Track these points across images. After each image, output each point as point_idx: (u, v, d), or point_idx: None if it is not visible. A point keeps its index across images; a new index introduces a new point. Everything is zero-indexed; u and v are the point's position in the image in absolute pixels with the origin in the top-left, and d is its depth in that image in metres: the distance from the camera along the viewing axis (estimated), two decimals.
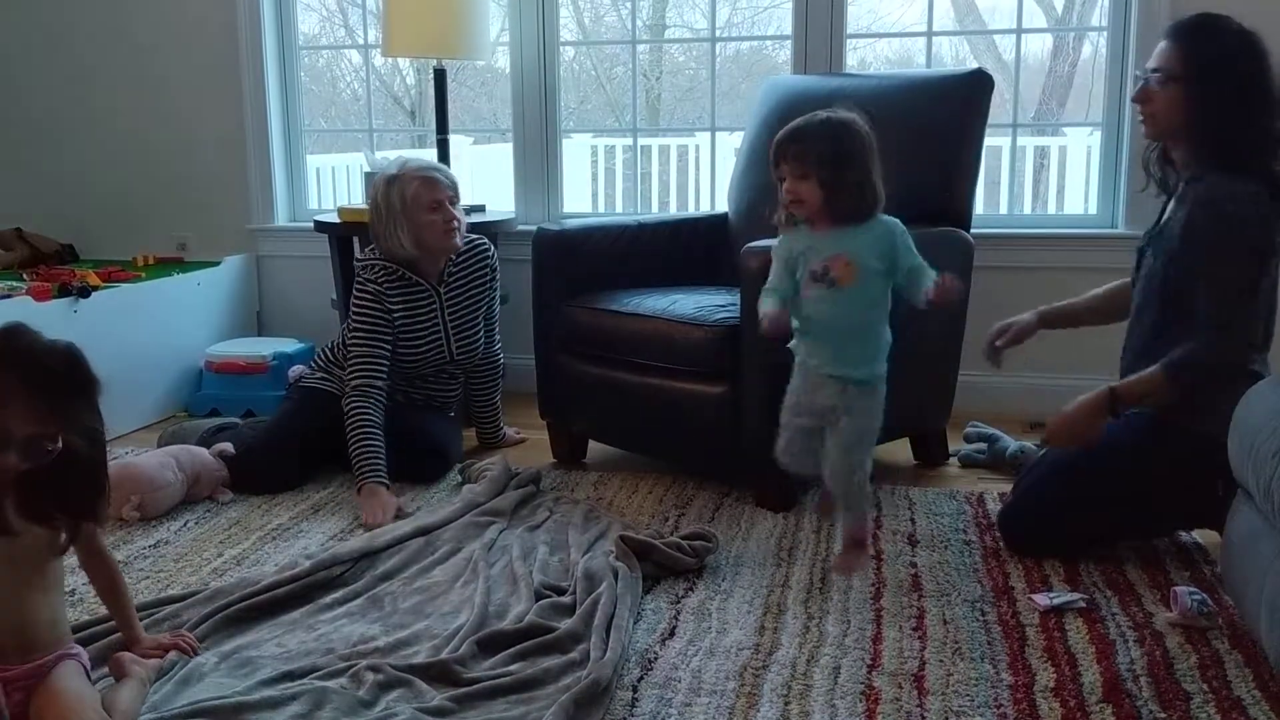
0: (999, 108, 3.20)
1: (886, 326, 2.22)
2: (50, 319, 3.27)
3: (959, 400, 3.15)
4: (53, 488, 1.62)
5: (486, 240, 3.24)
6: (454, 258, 3.11)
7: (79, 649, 1.79)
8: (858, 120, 2.15)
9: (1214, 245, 2.22)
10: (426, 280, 3.07)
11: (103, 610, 2.03)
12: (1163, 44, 2.33)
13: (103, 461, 1.69)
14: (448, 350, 3.12)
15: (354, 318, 3.02)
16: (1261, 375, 2.31)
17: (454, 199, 3.03)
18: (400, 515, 2.73)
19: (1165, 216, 2.40)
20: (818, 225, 2.17)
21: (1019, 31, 3.88)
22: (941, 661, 1.97)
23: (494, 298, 3.25)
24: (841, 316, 2.18)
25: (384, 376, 2.99)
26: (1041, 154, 5.89)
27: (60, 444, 1.60)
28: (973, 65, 3.21)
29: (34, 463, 1.58)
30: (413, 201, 2.95)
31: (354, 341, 2.99)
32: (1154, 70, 2.32)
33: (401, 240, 2.97)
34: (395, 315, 3.02)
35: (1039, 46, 4.23)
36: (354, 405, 2.92)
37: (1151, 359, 2.31)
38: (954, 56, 4.85)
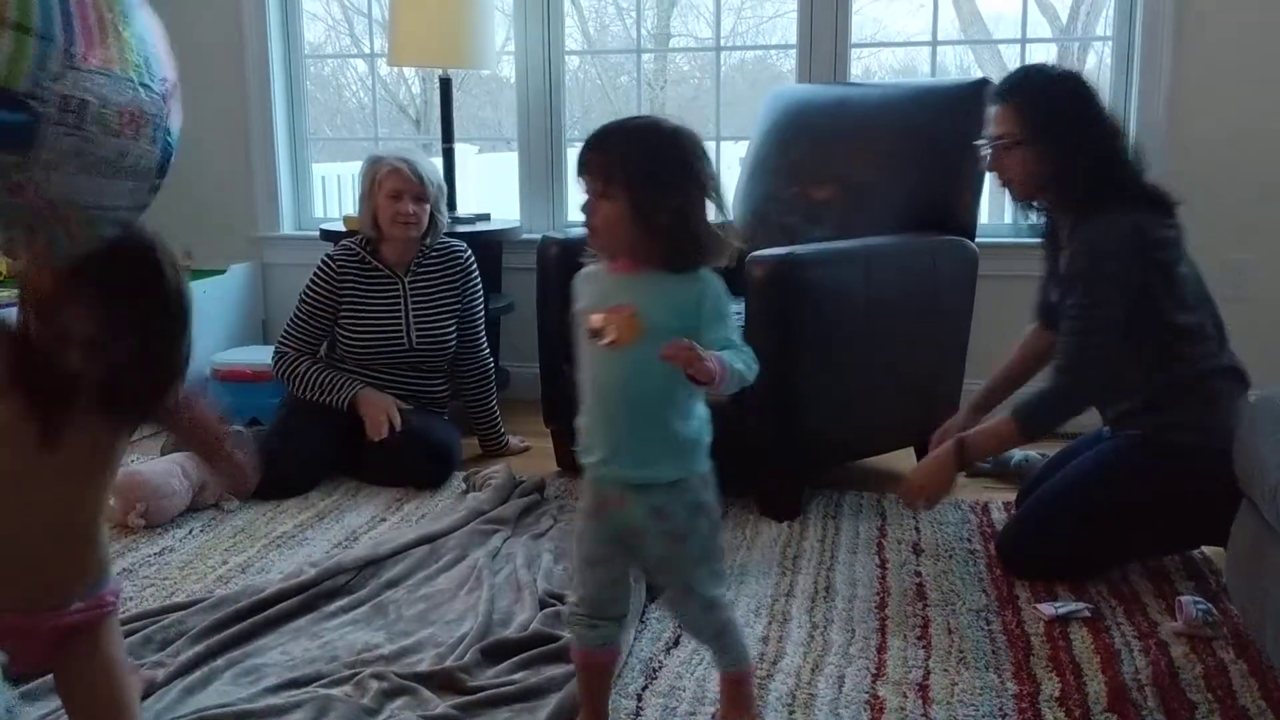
0: None
1: (698, 406, 1.66)
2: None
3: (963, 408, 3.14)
4: (126, 393, 1.47)
5: (465, 246, 3.34)
6: (425, 253, 3.23)
7: (116, 591, 1.61)
8: (693, 138, 1.63)
9: (1085, 286, 2.23)
10: (390, 267, 3.20)
11: None
12: (994, 109, 2.33)
13: (174, 367, 1.52)
14: (407, 338, 3.19)
15: (303, 291, 3.22)
16: (1237, 368, 2.31)
17: (420, 196, 3.15)
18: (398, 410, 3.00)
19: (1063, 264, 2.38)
20: (617, 265, 1.64)
21: (1024, 41, 3.88)
22: (946, 671, 1.97)
23: (472, 302, 3.30)
24: (622, 388, 1.62)
25: (307, 349, 3.19)
26: None
27: (126, 351, 1.44)
28: (977, 75, 3.21)
29: (97, 367, 1.43)
30: (378, 185, 3.15)
31: (294, 313, 3.22)
32: (996, 138, 2.32)
33: (365, 218, 3.19)
34: (343, 294, 3.18)
35: (1043, 56, 4.23)
36: (281, 367, 3.18)
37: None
38: (958, 66, 4.85)
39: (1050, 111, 2.26)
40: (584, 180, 1.62)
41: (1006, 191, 2.40)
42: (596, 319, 1.59)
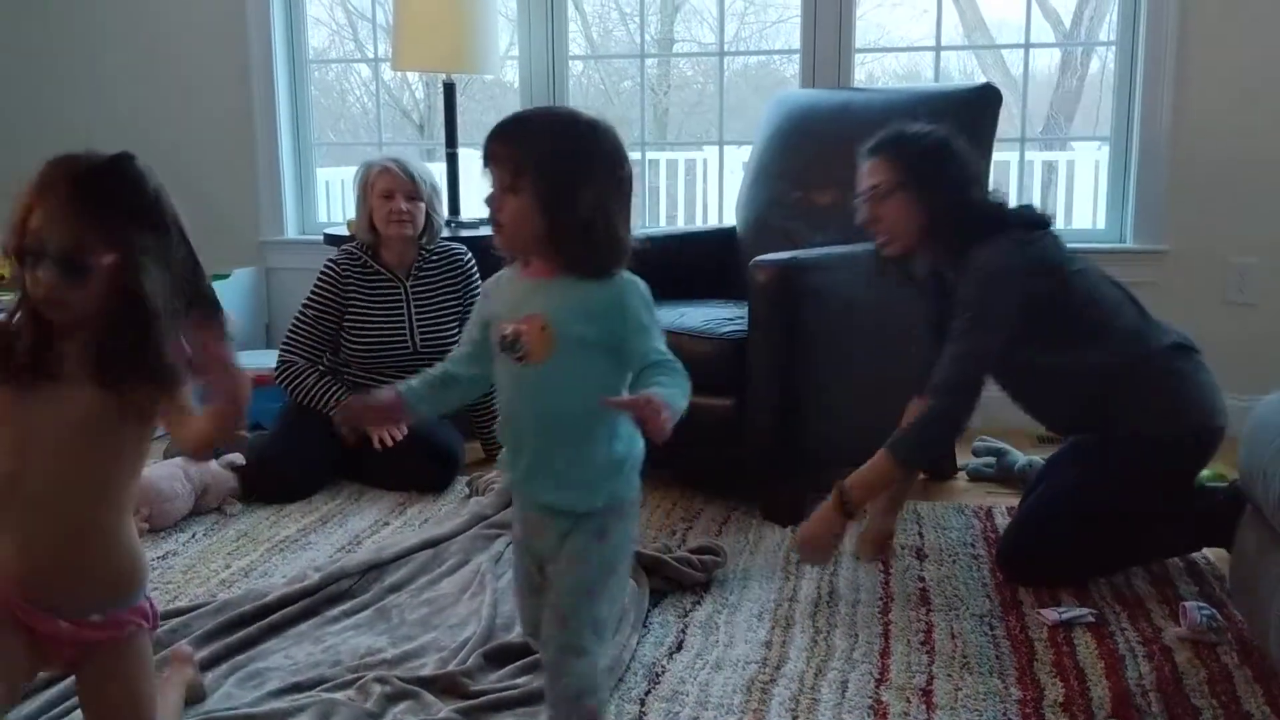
0: (1007, 122, 3.20)
1: (624, 426, 1.51)
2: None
3: None
4: (115, 338, 1.39)
5: (465, 249, 3.35)
6: (426, 255, 3.25)
7: (147, 611, 1.54)
8: (611, 132, 1.50)
9: (972, 309, 2.26)
10: (392, 271, 3.22)
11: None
12: (867, 164, 2.37)
13: (158, 308, 1.40)
14: (411, 342, 3.20)
15: (307, 296, 3.22)
16: (1178, 344, 2.36)
17: (412, 194, 3.17)
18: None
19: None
20: (529, 267, 1.53)
21: (1027, 46, 3.88)
22: (950, 676, 1.96)
23: (470, 302, 3.29)
24: (537, 407, 1.50)
25: (311, 355, 3.18)
26: (1049, 168, 5.89)
27: (106, 266, 1.37)
28: (981, 80, 3.21)
29: (74, 283, 1.36)
30: (370, 187, 3.18)
31: (297, 316, 3.22)
32: (871, 188, 2.36)
33: (361, 222, 3.21)
34: (349, 297, 3.18)
35: (1047, 61, 4.23)
36: (284, 377, 3.17)
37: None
38: (962, 71, 4.86)
39: (920, 158, 2.33)
40: (490, 172, 1.49)
41: (884, 246, 2.41)
42: (507, 329, 1.47)
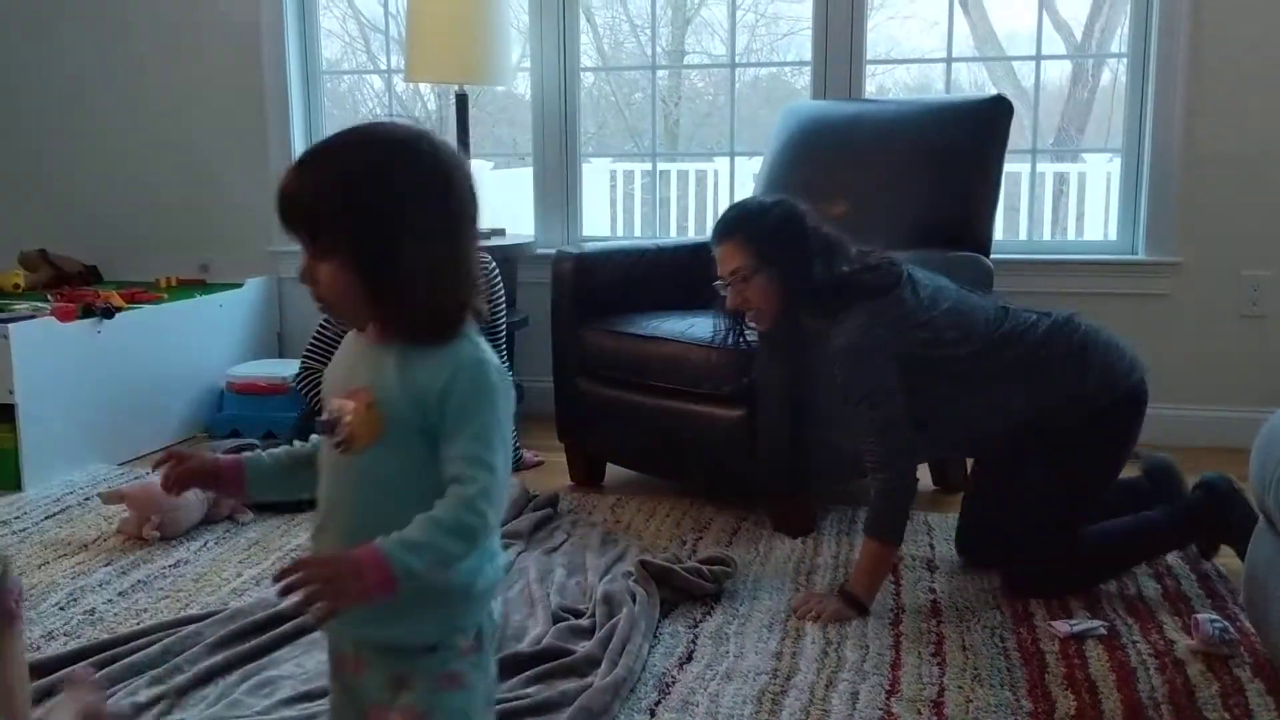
0: (1018, 134, 3.20)
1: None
2: (74, 339, 3.30)
3: None
4: None
5: (488, 258, 3.31)
6: None
7: (13, 592, 1.47)
8: (430, 153, 1.19)
9: (856, 389, 2.28)
10: None
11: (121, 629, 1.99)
12: (719, 249, 2.39)
13: None
14: None
15: None
16: (1052, 328, 2.37)
17: None
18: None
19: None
20: (369, 333, 1.22)
21: (1038, 58, 3.88)
22: (961, 688, 1.96)
23: (495, 315, 3.32)
24: (358, 508, 1.20)
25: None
26: (1061, 180, 5.89)
27: None
28: (992, 92, 3.21)
29: None
30: None
31: (320, 324, 3.28)
32: (731, 273, 2.37)
33: None
34: None
35: (1058, 73, 4.23)
36: (304, 383, 3.24)
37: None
38: (973, 83, 4.86)
39: (770, 235, 2.34)
40: (290, 234, 1.17)
41: (753, 325, 2.47)
42: (333, 405, 1.19)
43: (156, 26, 4.24)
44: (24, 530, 2.82)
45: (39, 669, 1.94)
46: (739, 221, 2.39)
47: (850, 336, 2.28)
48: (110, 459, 3.38)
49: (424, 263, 1.15)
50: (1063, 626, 2.18)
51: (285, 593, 1.07)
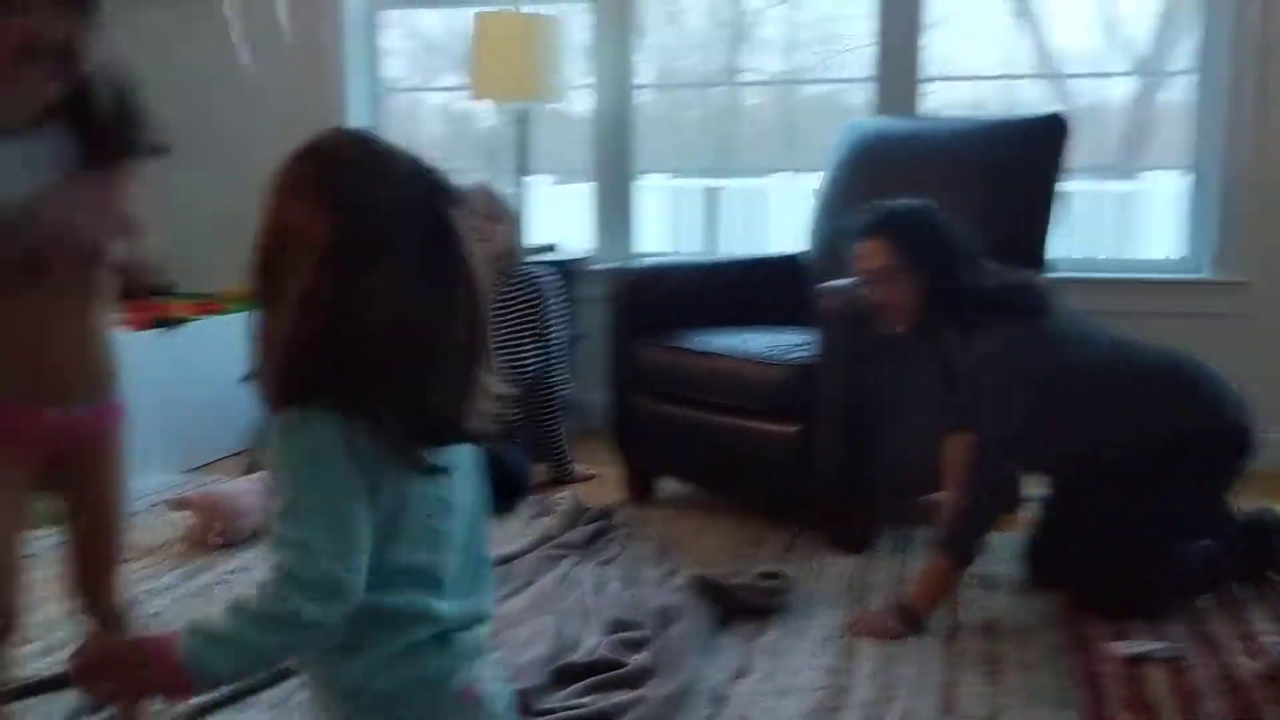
0: (1078, 151, 3.17)
1: (368, 639, 1.07)
2: (144, 350, 3.38)
3: None
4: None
5: (547, 273, 3.38)
6: (504, 280, 3.28)
7: (123, 406, 1.55)
8: (332, 157, 1.05)
9: (984, 407, 2.25)
10: None
11: None
12: (863, 246, 2.34)
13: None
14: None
15: None
16: (1155, 359, 2.35)
17: (490, 215, 3.22)
18: None
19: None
20: None
21: (1100, 75, 3.85)
22: (1018, 708, 1.94)
23: (551, 330, 3.33)
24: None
25: None
26: (1122, 198, 5.81)
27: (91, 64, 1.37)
28: (1050, 110, 3.19)
29: (71, 83, 1.37)
30: None
31: None
32: (874, 272, 2.33)
33: None
34: None
35: (1121, 90, 4.19)
36: None
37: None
38: (1031, 101, 4.82)
39: (919, 237, 2.31)
40: None
41: (887, 327, 2.39)
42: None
43: (223, 44, 4.34)
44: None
45: None
46: (888, 219, 2.34)
47: (998, 356, 2.24)
48: (176, 467, 3.45)
49: (310, 312, 1.01)
50: (1123, 648, 2.15)
51: (80, 687, 1.00)
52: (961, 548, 2.27)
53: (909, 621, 2.24)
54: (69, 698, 1.93)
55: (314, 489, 1.00)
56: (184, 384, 3.50)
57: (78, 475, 1.52)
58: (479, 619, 1.16)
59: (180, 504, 2.85)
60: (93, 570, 1.56)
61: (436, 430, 1.05)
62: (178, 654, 0.99)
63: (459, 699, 1.09)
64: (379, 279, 0.97)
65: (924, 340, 2.42)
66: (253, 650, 1.00)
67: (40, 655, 2.08)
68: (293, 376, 1.01)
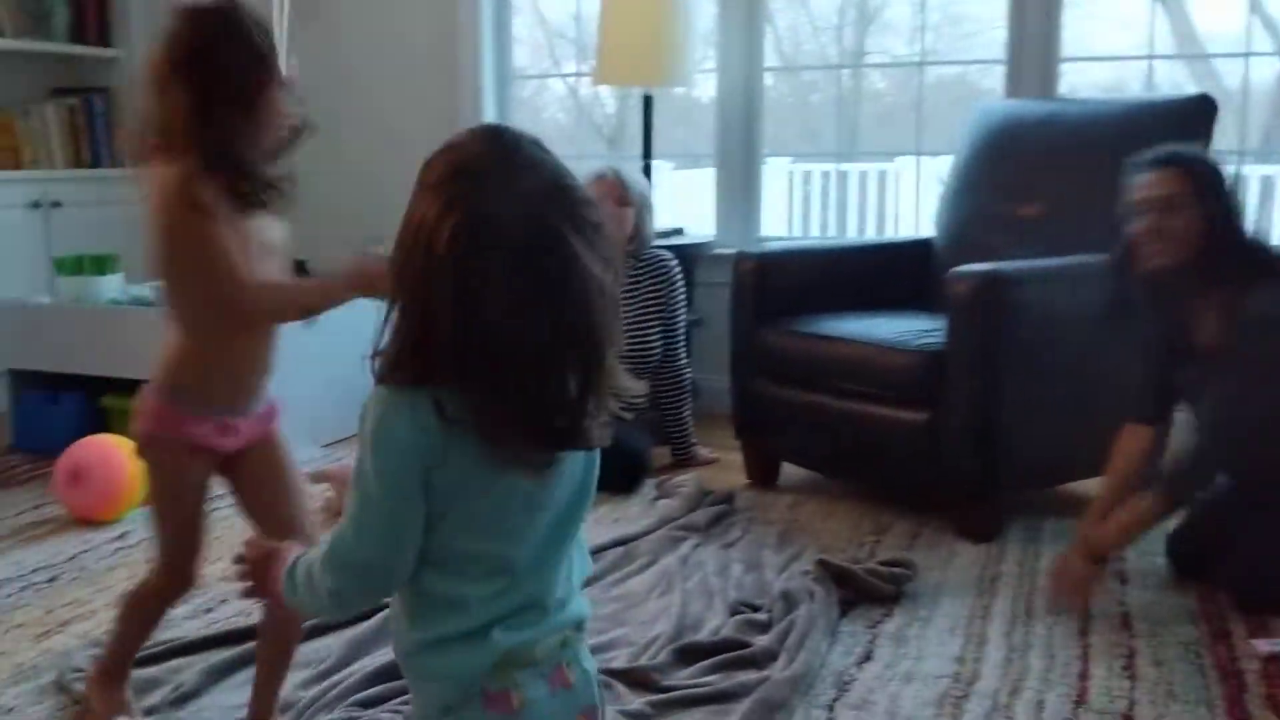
0: (1222, 135, 3.06)
1: (425, 605, 1.11)
2: (284, 331, 3.51)
3: None
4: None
5: (672, 256, 3.40)
6: (633, 263, 3.31)
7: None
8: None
9: (1259, 363, 2.18)
10: None
11: None
12: (1152, 174, 2.26)
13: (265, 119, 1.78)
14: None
15: None
16: None
17: (622, 200, 3.27)
18: None
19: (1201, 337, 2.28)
20: None
21: (1246, 55, 3.70)
22: (1153, 703, 1.90)
23: (676, 312, 3.36)
24: None
25: None
26: (1268, 183, 5.58)
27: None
28: (1192, 91, 3.08)
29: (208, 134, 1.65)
30: None
31: None
32: (1157, 200, 2.24)
33: None
34: None
35: (1268, 71, 4.01)
36: None
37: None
38: (1170, 83, 4.65)
39: (1210, 175, 2.27)
40: None
41: (1155, 261, 2.27)
42: None
43: (363, 35, 4.46)
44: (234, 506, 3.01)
45: (243, 635, 2.04)
46: (1179, 154, 2.32)
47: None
48: (315, 441, 3.58)
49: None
50: (1264, 645, 2.08)
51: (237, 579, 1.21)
52: (1180, 487, 2.26)
53: (1096, 560, 2.25)
54: (217, 657, 2.04)
55: (373, 471, 1.05)
56: (322, 362, 3.62)
57: (257, 462, 1.75)
58: (542, 619, 1.14)
59: (320, 477, 2.96)
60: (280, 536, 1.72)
61: (540, 437, 1.07)
62: (282, 576, 1.15)
63: (485, 702, 1.09)
64: (486, 289, 0.99)
65: (1175, 294, 2.32)
66: (306, 601, 1.14)
67: (186, 618, 2.20)
68: (400, 364, 1.05)
